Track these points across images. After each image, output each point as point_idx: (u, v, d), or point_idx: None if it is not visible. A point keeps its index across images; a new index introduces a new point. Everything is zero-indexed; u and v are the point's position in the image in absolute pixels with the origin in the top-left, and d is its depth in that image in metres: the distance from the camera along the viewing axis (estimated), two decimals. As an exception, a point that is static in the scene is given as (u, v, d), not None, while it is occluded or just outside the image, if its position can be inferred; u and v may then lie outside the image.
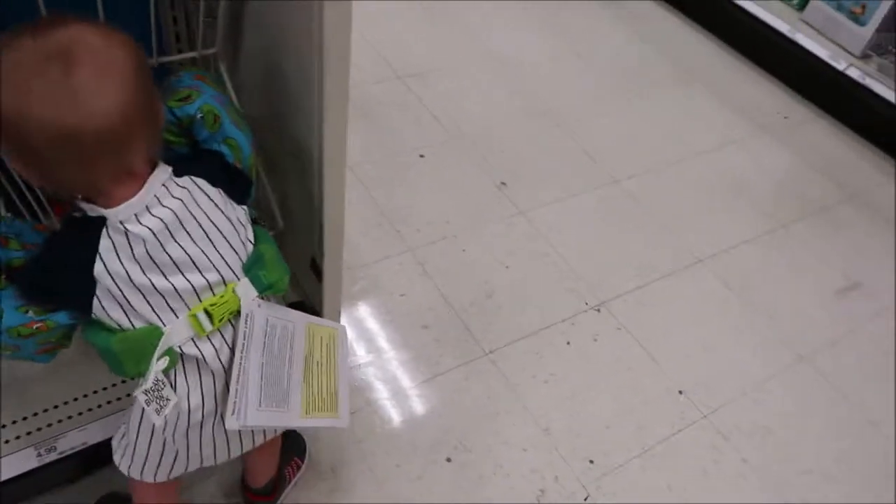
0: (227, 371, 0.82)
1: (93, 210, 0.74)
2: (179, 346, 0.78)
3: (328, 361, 0.94)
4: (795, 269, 1.85)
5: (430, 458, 1.33)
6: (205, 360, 0.80)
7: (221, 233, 0.80)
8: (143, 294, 0.76)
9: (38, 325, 0.77)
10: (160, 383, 0.78)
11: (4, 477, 1.02)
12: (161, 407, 0.79)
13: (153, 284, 0.75)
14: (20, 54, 0.64)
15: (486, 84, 2.27)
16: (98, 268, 0.73)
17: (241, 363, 0.80)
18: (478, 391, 1.45)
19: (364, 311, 1.55)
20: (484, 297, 1.63)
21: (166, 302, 0.77)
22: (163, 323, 0.77)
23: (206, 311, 0.78)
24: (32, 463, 1.03)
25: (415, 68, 2.27)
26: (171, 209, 0.76)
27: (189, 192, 0.78)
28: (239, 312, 0.81)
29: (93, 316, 0.76)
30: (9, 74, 0.63)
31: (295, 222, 1.19)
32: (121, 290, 0.74)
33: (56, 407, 1.09)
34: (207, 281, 0.79)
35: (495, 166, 1.96)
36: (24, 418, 1.07)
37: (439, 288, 1.62)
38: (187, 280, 0.78)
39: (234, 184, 0.85)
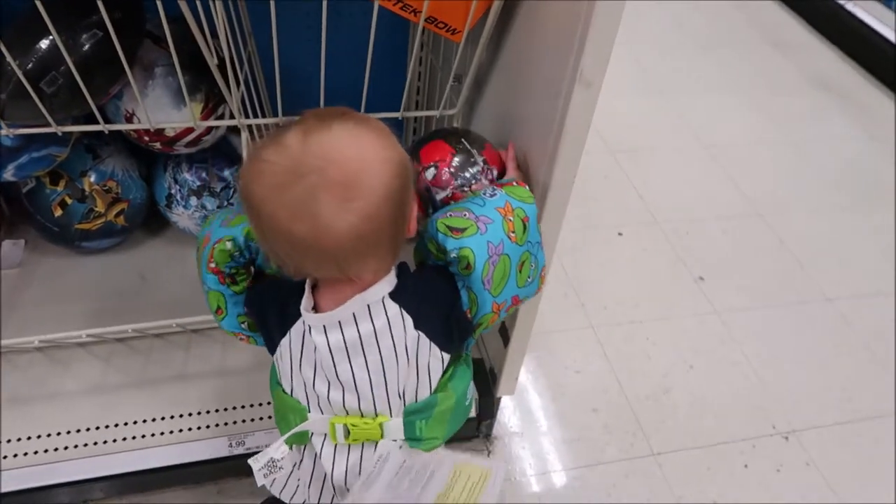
0: (336, 485, 0.82)
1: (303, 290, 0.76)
2: (311, 435, 0.82)
3: (466, 502, 0.83)
4: None
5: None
6: (320, 459, 0.81)
7: (398, 374, 0.77)
8: (302, 382, 0.79)
9: (244, 338, 0.89)
10: (275, 461, 0.81)
11: (199, 458, 1.14)
12: (269, 472, 0.82)
13: (313, 384, 0.78)
14: (283, 157, 0.65)
15: (696, 169, 2.20)
16: (284, 340, 0.78)
17: (355, 499, 0.76)
18: (636, 491, 1.37)
19: (535, 378, 1.55)
20: (661, 392, 1.55)
21: (317, 400, 0.80)
22: (309, 409, 0.80)
23: (346, 427, 0.78)
24: (223, 451, 1.15)
25: (627, 144, 2.26)
26: (360, 334, 0.74)
27: (389, 325, 0.74)
28: (377, 443, 0.79)
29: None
30: (268, 173, 0.66)
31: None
32: (290, 369, 0.80)
33: (252, 406, 1.20)
34: (360, 408, 0.78)
35: (695, 257, 1.88)
36: (225, 409, 1.19)
37: (616, 372, 1.57)
38: (342, 397, 0.77)
39: (451, 333, 0.79)
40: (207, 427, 1.17)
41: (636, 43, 2.76)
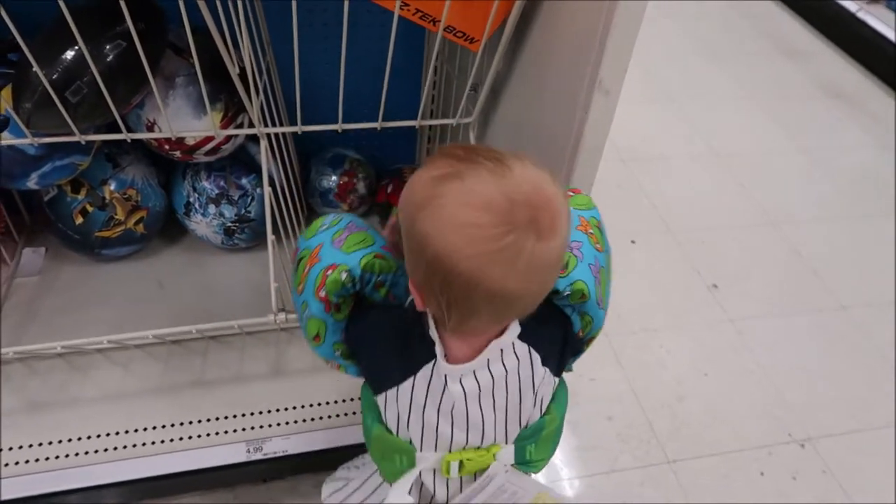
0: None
1: (431, 338, 0.72)
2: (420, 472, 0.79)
3: None
4: None
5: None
6: (425, 487, 0.80)
7: (521, 408, 0.76)
8: (422, 424, 0.76)
9: (337, 366, 0.84)
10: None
11: (216, 464, 1.15)
12: None
13: (437, 426, 0.75)
14: (491, 215, 0.60)
15: (709, 178, 2.20)
16: (405, 384, 0.74)
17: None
18: (651, 499, 1.37)
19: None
20: (675, 400, 1.55)
21: (435, 440, 0.77)
22: (420, 448, 0.77)
23: (461, 462, 0.77)
24: (241, 457, 1.15)
25: (639, 153, 2.26)
26: (493, 377, 0.73)
27: (519, 364, 0.74)
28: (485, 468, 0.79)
29: (373, 398, 0.79)
30: (479, 238, 0.60)
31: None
32: (408, 411, 0.75)
33: (269, 412, 1.21)
34: (481, 442, 0.77)
35: (708, 266, 1.88)
36: (243, 415, 1.20)
37: (630, 381, 1.57)
38: (466, 436, 0.76)
39: (565, 355, 0.80)
40: (225, 432, 1.17)
41: (646, 52, 2.77)
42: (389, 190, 1.50)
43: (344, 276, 0.74)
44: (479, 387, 0.72)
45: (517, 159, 0.63)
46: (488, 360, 0.71)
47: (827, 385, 1.62)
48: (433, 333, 0.71)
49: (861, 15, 2.84)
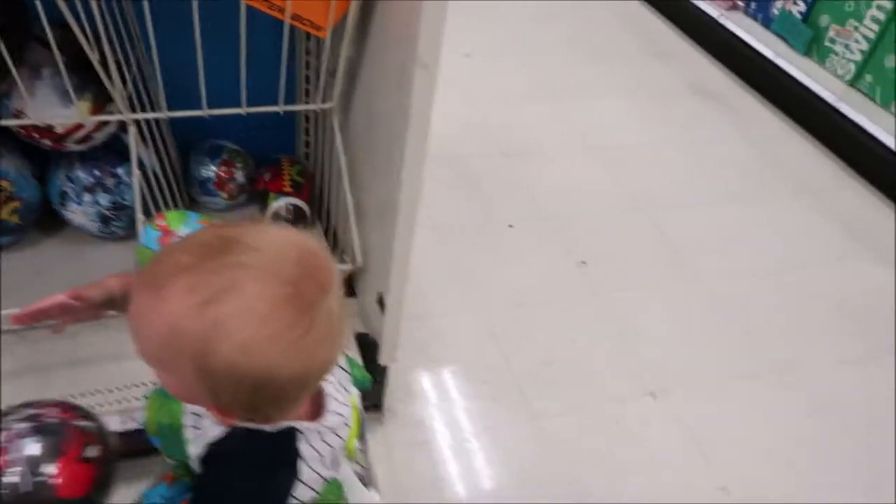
0: None
1: (280, 425, 0.70)
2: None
3: None
4: (877, 391, 1.76)
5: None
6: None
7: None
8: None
9: None
10: None
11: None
12: None
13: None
14: (270, 293, 0.58)
15: (583, 168, 2.38)
16: (304, 469, 0.71)
17: None
18: (522, 453, 1.50)
19: (427, 358, 1.66)
20: (543, 365, 1.69)
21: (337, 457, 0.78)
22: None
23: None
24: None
25: (519, 147, 2.42)
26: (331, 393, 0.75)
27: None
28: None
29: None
30: (256, 317, 0.58)
31: (371, 263, 1.33)
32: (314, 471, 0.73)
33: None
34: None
35: (579, 246, 2.04)
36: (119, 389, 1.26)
37: (503, 351, 1.70)
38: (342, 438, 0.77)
39: None
40: (101, 406, 1.22)
41: (531, 55, 2.96)
42: (267, 178, 1.58)
43: None
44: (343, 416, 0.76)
45: (277, 229, 0.63)
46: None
47: (683, 347, 1.80)
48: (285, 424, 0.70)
49: (722, 20, 3.11)
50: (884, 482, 1.54)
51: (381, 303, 1.25)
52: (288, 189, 1.55)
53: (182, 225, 0.92)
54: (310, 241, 0.64)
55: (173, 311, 0.58)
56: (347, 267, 1.36)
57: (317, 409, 0.74)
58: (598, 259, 2.01)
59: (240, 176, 1.57)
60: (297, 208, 1.55)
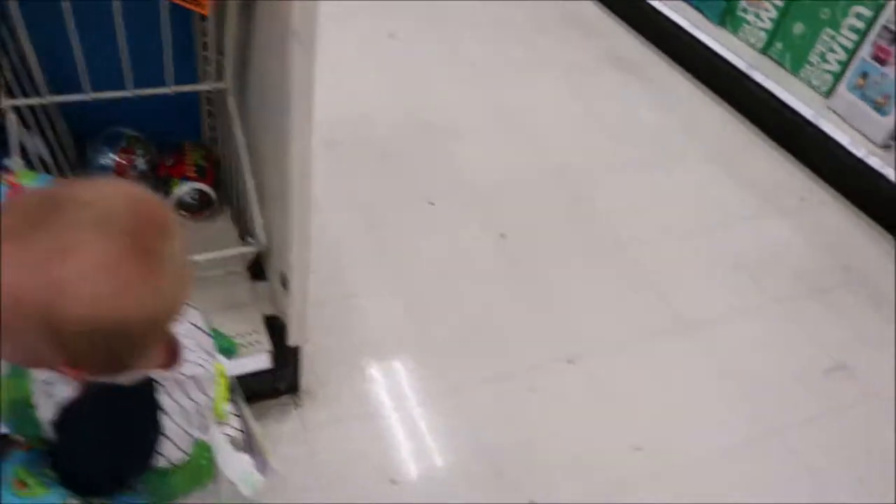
0: None
1: (136, 376, 0.70)
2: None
3: None
4: (783, 345, 1.85)
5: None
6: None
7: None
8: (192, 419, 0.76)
9: None
10: None
11: None
12: None
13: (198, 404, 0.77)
14: (109, 246, 0.59)
15: (506, 142, 2.40)
16: (167, 424, 0.72)
17: None
18: (435, 420, 1.53)
19: (348, 339, 1.66)
20: (460, 332, 1.71)
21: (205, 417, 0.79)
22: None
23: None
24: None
25: (442, 125, 2.42)
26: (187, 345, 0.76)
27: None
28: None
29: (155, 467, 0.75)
30: (101, 271, 0.59)
31: (275, 243, 1.32)
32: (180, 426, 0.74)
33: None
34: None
35: (500, 218, 2.07)
36: None
37: (418, 321, 1.73)
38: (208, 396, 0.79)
39: None
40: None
41: (454, 33, 2.95)
42: (170, 164, 1.55)
43: None
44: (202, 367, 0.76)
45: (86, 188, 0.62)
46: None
47: (599, 309, 1.85)
48: (126, 376, 0.69)
49: (642, -6, 3.15)
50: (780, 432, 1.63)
51: (283, 282, 1.25)
52: (192, 174, 1.52)
53: (33, 182, 0.90)
54: (141, 190, 0.65)
55: (9, 280, 0.57)
56: (252, 249, 1.35)
57: (173, 358, 0.74)
58: (518, 231, 2.04)
59: (141, 163, 1.53)
60: (202, 193, 1.52)
